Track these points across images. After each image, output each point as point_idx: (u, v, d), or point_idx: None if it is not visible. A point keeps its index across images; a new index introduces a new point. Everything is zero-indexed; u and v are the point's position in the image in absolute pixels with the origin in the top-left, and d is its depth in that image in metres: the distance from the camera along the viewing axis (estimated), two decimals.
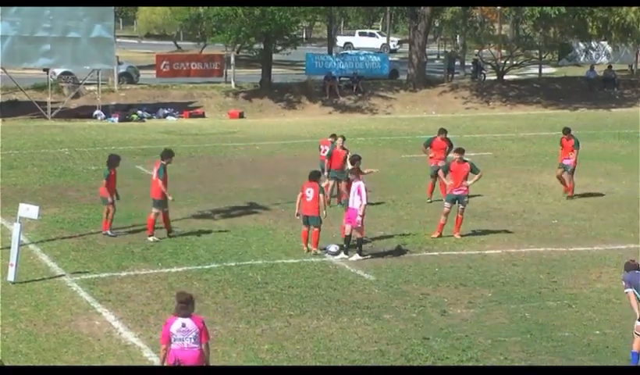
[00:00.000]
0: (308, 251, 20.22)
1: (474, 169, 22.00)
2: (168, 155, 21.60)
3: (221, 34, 49.03)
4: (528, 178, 29.45)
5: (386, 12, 70.87)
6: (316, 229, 20.18)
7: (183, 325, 11.70)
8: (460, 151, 22.39)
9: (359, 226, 19.94)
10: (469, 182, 21.92)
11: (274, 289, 17.76)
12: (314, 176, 20.46)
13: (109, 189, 21.47)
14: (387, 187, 26.05)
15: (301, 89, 50.17)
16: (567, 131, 26.94)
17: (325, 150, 25.80)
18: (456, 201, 21.85)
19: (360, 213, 19.84)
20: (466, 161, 22.11)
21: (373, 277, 18.65)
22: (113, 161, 21.75)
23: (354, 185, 20.17)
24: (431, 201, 25.24)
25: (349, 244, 20.01)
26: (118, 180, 28.96)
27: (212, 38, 51.99)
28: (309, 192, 20.15)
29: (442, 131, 26.20)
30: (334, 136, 26.03)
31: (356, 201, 19.92)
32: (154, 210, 21.26)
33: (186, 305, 11.76)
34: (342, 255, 19.95)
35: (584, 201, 26.29)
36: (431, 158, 25.99)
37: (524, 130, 42.35)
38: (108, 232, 21.40)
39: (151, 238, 21.11)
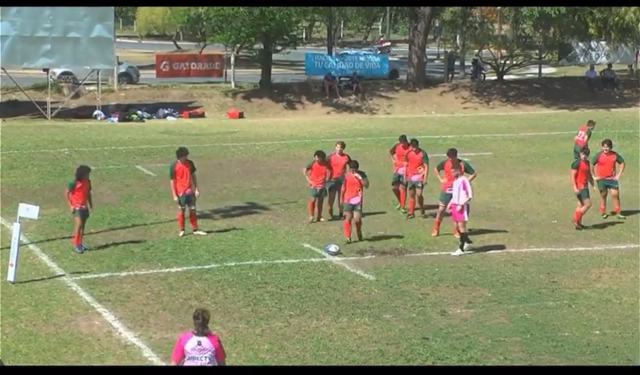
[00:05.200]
0: (356, 241, 21.11)
1: (468, 169, 21.81)
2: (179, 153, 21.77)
3: (221, 34, 49.01)
4: (528, 178, 29.43)
5: (386, 12, 70.80)
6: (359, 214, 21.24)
7: (199, 343, 11.19)
8: (453, 152, 22.19)
9: (465, 220, 20.24)
10: None
11: (274, 289, 17.75)
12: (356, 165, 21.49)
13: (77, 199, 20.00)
14: (387, 187, 25.95)
15: (301, 89, 50.14)
16: (414, 142, 23.78)
17: (580, 134, 28.55)
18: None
19: (461, 203, 20.13)
20: (460, 161, 21.94)
21: (373, 277, 18.64)
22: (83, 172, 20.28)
23: (458, 180, 20.32)
24: (404, 211, 24.17)
25: (464, 240, 20.38)
26: (117, 180, 28.85)
27: (212, 38, 51.96)
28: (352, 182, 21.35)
29: (403, 138, 24.60)
30: (591, 123, 29.31)
31: (462, 197, 20.13)
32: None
33: (203, 323, 11.24)
34: (459, 251, 20.29)
35: None
36: (395, 164, 24.58)
37: (524, 130, 42.31)
38: (81, 245, 20.13)
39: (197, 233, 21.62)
